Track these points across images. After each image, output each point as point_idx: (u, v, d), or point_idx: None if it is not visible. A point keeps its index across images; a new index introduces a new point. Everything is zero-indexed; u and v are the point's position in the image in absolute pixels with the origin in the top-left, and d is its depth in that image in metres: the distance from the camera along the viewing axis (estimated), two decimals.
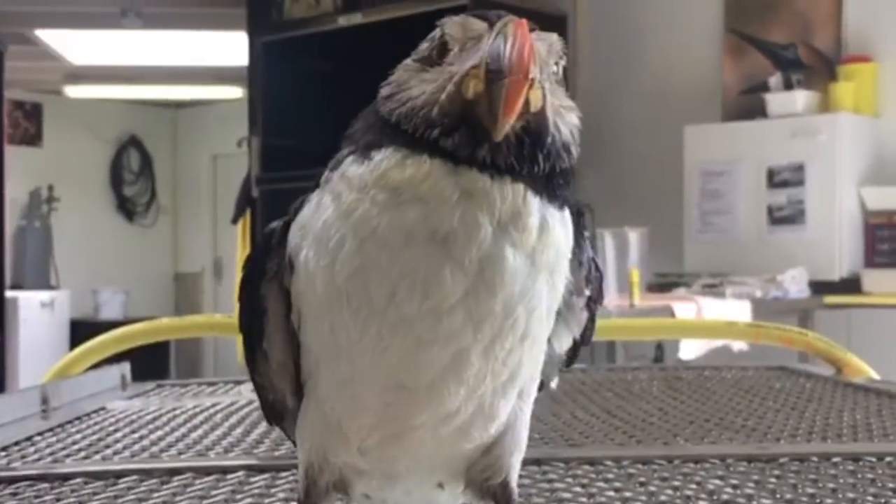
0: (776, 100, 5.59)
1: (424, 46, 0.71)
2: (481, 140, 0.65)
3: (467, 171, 0.65)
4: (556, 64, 0.71)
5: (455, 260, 0.65)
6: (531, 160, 0.67)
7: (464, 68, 0.67)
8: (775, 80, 5.70)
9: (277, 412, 0.80)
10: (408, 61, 0.72)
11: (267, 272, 0.73)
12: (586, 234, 0.75)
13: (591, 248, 0.76)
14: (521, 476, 0.81)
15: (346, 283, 0.67)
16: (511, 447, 0.77)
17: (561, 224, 0.69)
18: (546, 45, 0.70)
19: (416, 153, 0.66)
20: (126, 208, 10.29)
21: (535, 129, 0.67)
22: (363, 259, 0.66)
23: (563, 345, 0.78)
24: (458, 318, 0.66)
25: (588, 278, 0.75)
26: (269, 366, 0.76)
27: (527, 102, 0.65)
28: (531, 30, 0.67)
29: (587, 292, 0.75)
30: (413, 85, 0.69)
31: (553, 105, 0.69)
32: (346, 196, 0.67)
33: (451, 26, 0.70)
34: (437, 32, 0.71)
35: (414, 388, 0.69)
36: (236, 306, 0.77)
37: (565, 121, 0.70)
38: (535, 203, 0.67)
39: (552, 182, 0.68)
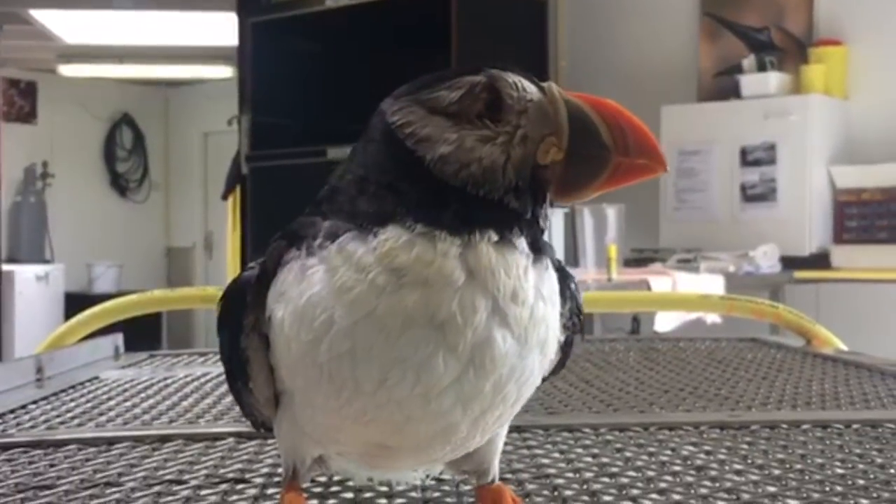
0: (749, 81, 5.59)
1: (452, 97, 0.67)
2: (542, 202, 0.67)
3: (478, 248, 0.63)
4: None
5: (449, 346, 0.63)
6: (535, 212, 0.67)
7: (540, 133, 0.67)
8: (749, 62, 5.70)
9: (265, 426, 0.79)
10: (418, 110, 0.68)
11: (244, 328, 0.70)
12: (572, 285, 0.74)
13: (577, 296, 0.75)
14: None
15: (331, 364, 0.64)
16: (492, 454, 0.78)
17: (550, 293, 0.68)
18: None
19: (430, 228, 0.63)
20: (119, 184, 10.24)
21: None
22: (353, 343, 0.63)
23: None
24: (449, 399, 0.64)
25: (567, 325, 0.74)
26: (254, 398, 0.74)
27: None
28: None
29: (561, 338, 0.72)
30: (472, 145, 0.66)
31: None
32: (343, 274, 0.63)
33: (508, 86, 0.68)
34: (475, 85, 0.68)
35: (398, 448, 0.69)
36: (219, 350, 0.75)
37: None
38: (532, 276, 0.66)
39: (542, 242, 0.68)
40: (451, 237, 0.63)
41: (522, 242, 0.65)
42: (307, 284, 0.65)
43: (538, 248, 0.67)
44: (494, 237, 0.64)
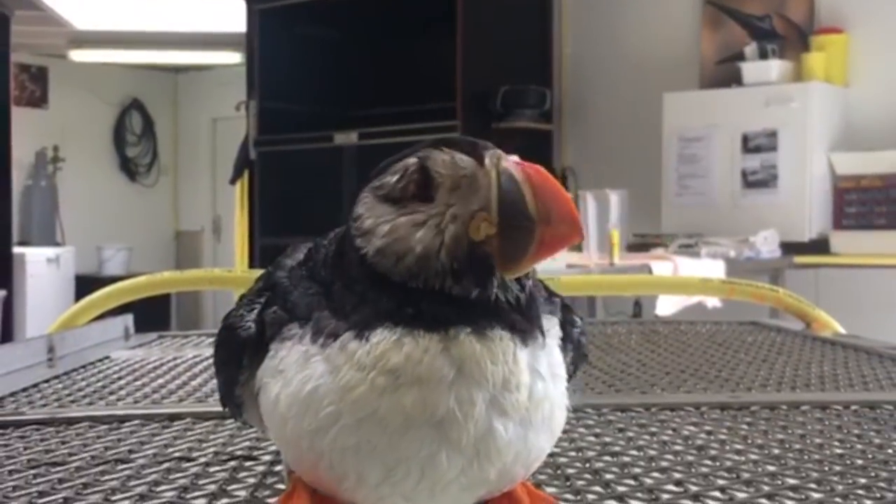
0: (751, 69, 5.58)
1: (392, 182, 0.65)
2: (490, 280, 0.62)
3: (458, 340, 0.61)
4: None
5: (451, 443, 0.62)
6: (520, 291, 0.64)
7: (470, 209, 0.62)
8: (751, 49, 5.69)
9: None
10: (370, 199, 0.66)
11: (239, 382, 0.70)
12: (576, 331, 0.73)
13: (580, 332, 0.74)
14: None
15: (333, 455, 0.63)
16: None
17: (549, 368, 0.66)
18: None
19: (410, 328, 0.62)
20: (129, 169, 10.24)
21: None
22: (359, 439, 0.62)
23: None
24: (454, 489, 0.63)
25: (571, 361, 0.73)
26: (249, 423, 0.75)
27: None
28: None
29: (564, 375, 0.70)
30: (405, 234, 0.63)
31: None
32: (346, 373, 0.62)
33: (437, 164, 0.64)
34: (408, 167, 0.65)
35: None
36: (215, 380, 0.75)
37: None
38: (523, 357, 0.63)
39: (529, 311, 0.65)
40: (428, 333, 0.62)
41: (497, 329, 0.62)
42: (311, 373, 0.64)
43: (522, 325, 0.64)
44: (467, 329, 0.62)
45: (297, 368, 0.65)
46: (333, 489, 0.66)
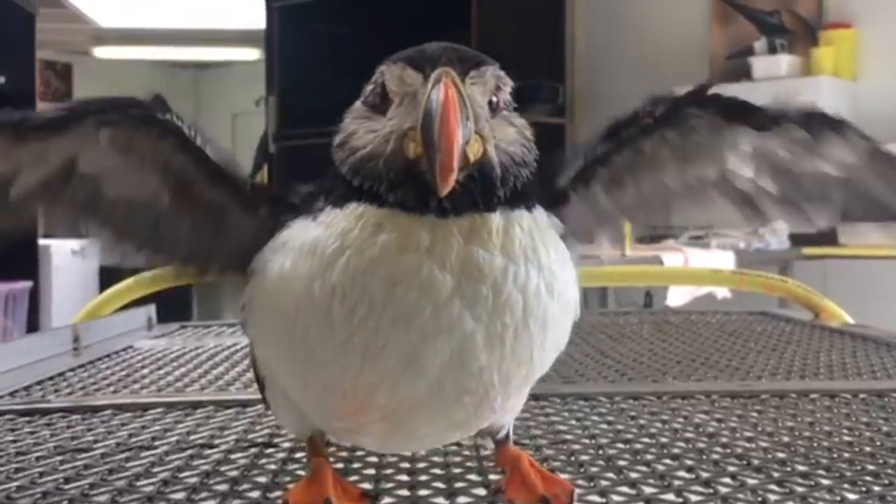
0: (761, 64, 5.55)
1: (369, 89, 0.69)
2: (427, 194, 0.64)
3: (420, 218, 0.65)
4: (498, 91, 0.68)
5: (440, 262, 0.64)
6: (485, 198, 0.66)
7: (402, 127, 0.65)
8: (760, 44, 5.65)
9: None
10: (358, 104, 0.70)
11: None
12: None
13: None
14: (521, 411, 0.82)
15: (347, 283, 0.64)
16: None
17: (530, 218, 0.68)
18: (481, 85, 0.67)
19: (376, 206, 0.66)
20: None
21: (480, 174, 0.65)
22: (364, 263, 0.64)
23: None
24: (455, 307, 0.64)
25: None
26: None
27: (465, 157, 0.63)
28: (471, 68, 0.66)
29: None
30: (360, 135, 0.68)
31: (497, 142, 0.67)
32: (340, 223, 0.66)
33: (389, 78, 0.67)
34: (377, 77, 0.69)
35: (412, 395, 0.67)
36: None
37: (509, 148, 0.68)
38: (493, 216, 0.66)
39: (514, 193, 0.67)
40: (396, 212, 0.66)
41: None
42: (310, 232, 0.68)
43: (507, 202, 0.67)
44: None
45: (298, 235, 0.68)
46: (344, 342, 0.65)
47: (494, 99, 0.68)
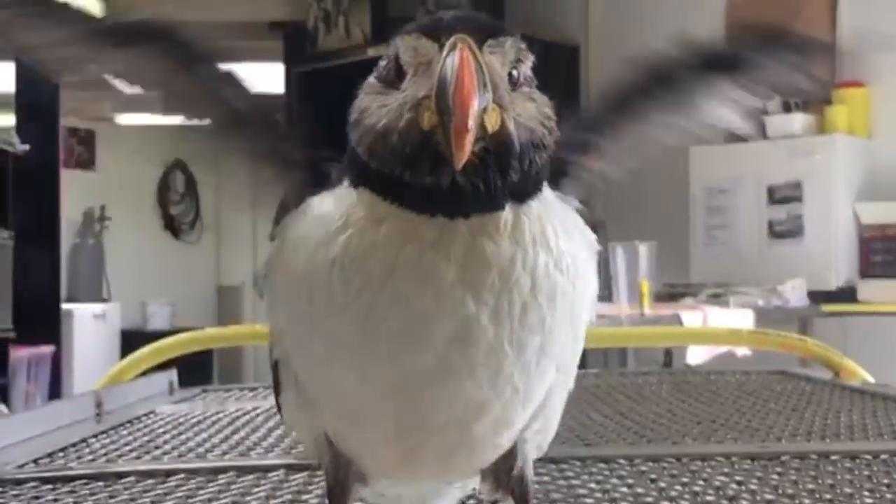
0: (775, 122, 5.57)
1: (383, 64, 0.66)
2: (444, 168, 0.61)
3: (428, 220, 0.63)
4: (518, 64, 0.65)
5: (444, 254, 0.62)
6: (502, 175, 0.62)
7: (417, 97, 0.62)
8: (774, 104, 5.67)
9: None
10: (371, 79, 0.67)
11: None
12: None
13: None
14: (539, 474, 0.82)
15: (347, 259, 0.63)
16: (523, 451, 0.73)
17: (540, 202, 0.66)
18: (500, 55, 0.64)
19: (383, 197, 0.64)
20: (172, 227, 10.32)
21: (497, 148, 0.62)
22: (365, 244, 0.63)
23: None
24: (458, 291, 0.62)
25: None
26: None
27: (483, 127, 0.60)
28: (490, 36, 0.63)
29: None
30: (373, 111, 0.64)
31: (516, 114, 0.63)
32: (349, 207, 0.65)
33: (403, 49, 0.64)
34: (391, 50, 0.65)
35: (417, 366, 0.64)
36: None
37: (529, 123, 0.64)
38: (502, 214, 0.63)
39: (527, 182, 0.64)
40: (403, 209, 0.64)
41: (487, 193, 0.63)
42: (321, 205, 0.68)
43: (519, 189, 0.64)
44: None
45: (317, 205, 0.68)
46: (342, 310, 0.64)
47: (515, 73, 0.65)
